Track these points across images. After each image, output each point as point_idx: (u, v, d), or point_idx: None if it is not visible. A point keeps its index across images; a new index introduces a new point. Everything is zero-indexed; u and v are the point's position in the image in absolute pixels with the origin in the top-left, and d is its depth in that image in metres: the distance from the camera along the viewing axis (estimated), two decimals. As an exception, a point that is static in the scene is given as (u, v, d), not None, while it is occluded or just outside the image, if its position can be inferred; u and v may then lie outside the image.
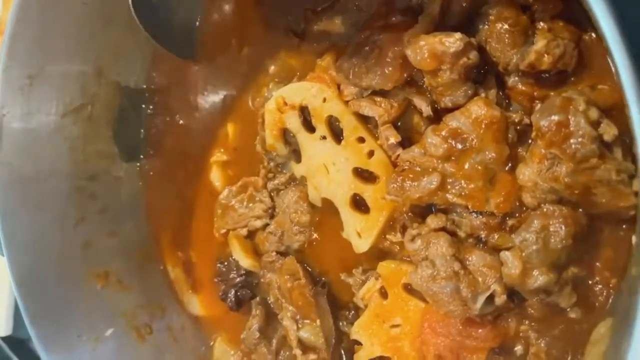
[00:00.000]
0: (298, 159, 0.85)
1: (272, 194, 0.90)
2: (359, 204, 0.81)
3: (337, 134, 0.80)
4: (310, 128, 0.81)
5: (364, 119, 0.78)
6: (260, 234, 0.92)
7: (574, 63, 0.67)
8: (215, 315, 1.00)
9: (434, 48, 0.67)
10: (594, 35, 0.68)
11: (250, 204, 0.91)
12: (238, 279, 0.95)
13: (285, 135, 0.84)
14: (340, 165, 0.79)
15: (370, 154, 0.78)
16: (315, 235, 0.88)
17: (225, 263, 0.96)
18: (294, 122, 0.82)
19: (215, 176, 0.97)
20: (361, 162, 0.78)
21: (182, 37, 0.90)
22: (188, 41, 0.92)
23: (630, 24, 0.53)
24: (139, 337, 0.95)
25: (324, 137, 0.80)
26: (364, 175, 0.79)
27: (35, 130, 0.87)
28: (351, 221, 0.81)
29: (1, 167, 0.83)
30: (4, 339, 1.22)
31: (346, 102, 0.78)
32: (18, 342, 1.22)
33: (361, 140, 0.78)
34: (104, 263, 0.95)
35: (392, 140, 0.74)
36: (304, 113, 0.82)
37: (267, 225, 0.91)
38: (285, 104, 0.82)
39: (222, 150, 0.97)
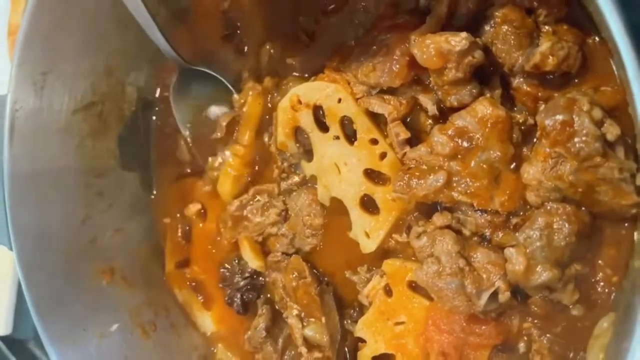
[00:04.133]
0: (309, 158, 0.85)
1: (284, 196, 0.90)
2: (368, 205, 0.81)
3: (349, 135, 0.80)
4: (323, 127, 0.82)
5: (375, 119, 0.79)
6: (272, 235, 0.92)
7: (578, 65, 0.69)
8: (229, 328, 0.99)
9: (440, 47, 0.68)
10: (597, 38, 0.69)
11: (266, 212, 0.91)
12: (242, 282, 0.94)
13: (297, 134, 0.84)
14: (352, 165, 0.80)
15: (383, 155, 0.78)
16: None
17: (229, 267, 0.96)
18: (307, 121, 0.82)
19: (223, 185, 0.96)
20: (373, 163, 0.79)
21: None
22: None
23: (635, 24, 0.55)
24: (143, 333, 0.95)
25: (337, 137, 0.80)
26: (375, 177, 0.80)
27: (47, 126, 0.88)
28: (360, 221, 0.81)
29: (12, 162, 0.84)
30: (3, 338, 1.22)
31: (356, 100, 0.78)
32: (17, 342, 1.22)
33: (374, 141, 0.78)
34: (110, 259, 0.96)
35: (402, 136, 0.74)
36: (317, 112, 0.82)
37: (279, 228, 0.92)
38: (300, 102, 0.82)
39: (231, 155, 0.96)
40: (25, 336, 1.19)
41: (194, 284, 1.02)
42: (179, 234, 1.01)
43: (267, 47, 0.89)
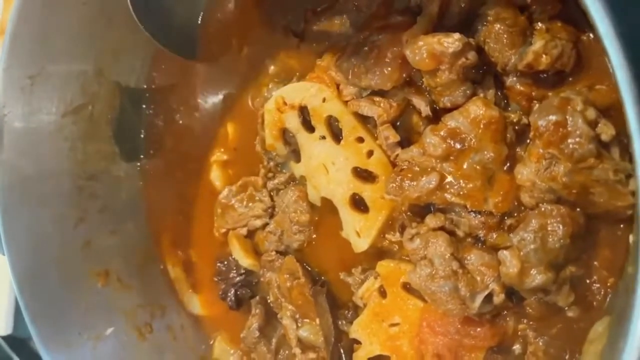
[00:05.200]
0: (297, 159, 0.85)
1: (272, 194, 0.90)
2: (358, 204, 0.81)
3: (336, 134, 0.80)
4: (309, 128, 0.81)
5: (363, 119, 0.78)
6: (260, 233, 0.92)
7: (572, 63, 0.68)
8: (215, 314, 1.00)
9: (433, 48, 0.67)
10: (591, 35, 0.68)
11: (250, 204, 0.92)
12: (238, 278, 0.95)
13: (285, 135, 0.84)
14: (340, 164, 0.80)
15: (370, 153, 0.78)
16: (314, 235, 0.88)
17: (225, 262, 0.96)
18: (293, 122, 0.82)
19: (215, 176, 0.98)
20: (360, 161, 0.78)
21: (182, 36, 0.91)
22: (189, 40, 0.92)
23: (628, 23, 0.53)
24: (139, 336, 0.95)
25: (323, 137, 0.80)
26: (363, 175, 0.80)
27: (36, 130, 0.87)
28: (350, 220, 0.81)
29: (2, 167, 0.83)
30: (5, 338, 1.23)
31: (345, 102, 0.78)
32: (18, 341, 1.22)
33: (360, 140, 0.78)
34: (104, 262, 0.95)
35: (391, 139, 0.74)
36: (304, 113, 0.82)
37: (266, 224, 0.92)
38: (285, 104, 0.82)
39: (222, 149, 0.97)
40: (26, 334, 1.20)
41: (186, 264, 1.02)
42: (180, 216, 1.02)
43: (255, 47, 0.88)
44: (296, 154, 0.85)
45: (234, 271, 0.95)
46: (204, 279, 1.01)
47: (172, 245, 1.03)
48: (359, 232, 0.81)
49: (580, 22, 0.68)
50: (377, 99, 0.75)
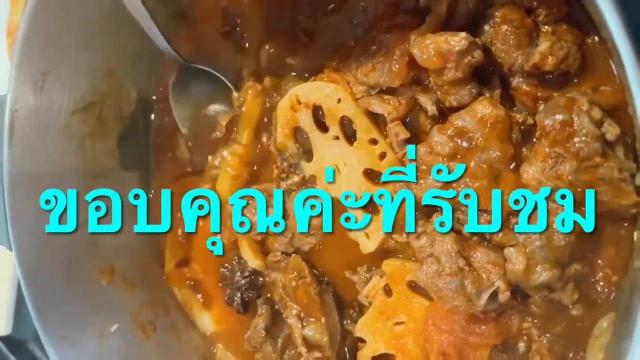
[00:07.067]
0: (309, 159, 0.85)
1: (285, 196, 0.89)
2: (368, 205, 0.80)
3: (349, 135, 0.80)
4: (323, 128, 0.82)
5: (375, 120, 0.78)
6: (271, 235, 0.91)
7: (577, 65, 0.69)
8: (230, 327, 0.99)
9: (440, 47, 0.68)
10: (597, 38, 0.69)
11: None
12: (243, 281, 0.94)
13: (297, 135, 0.84)
14: (352, 166, 0.80)
15: (383, 156, 0.78)
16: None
17: (229, 266, 0.96)
18: (307, 121, 0.82)
19: (223, 185, 0.96)
20: (373, 163, 0.79)
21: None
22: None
23: (634, 24, 0.55)
24: (143, 334, 0.95)
25: (337, 138, 0.80)
26: (374, 177, 0.80)
27: (46, 126, 0.87)
28: (361, 222, 0.81)
29: (12, 162, 0.84)
30: (3, 338, 1.22)
31: (356, 101, 0.78)
32: (17, 342, 1.21)
33: (374, 142, 0.78)
34: (110, 260, 0.95)
35: (402, 136, 0.74)
36: (317, 113, 0.82)
37: (277, 227, 0.91)
38: (299, 102, 0.82)
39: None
40: (25, 336, 1.19)
41: (193, 283, 1.01)
42: (180, 232, 1.01)
43: (267, 47, 0.89)
44: (308, 154, 0.85)
45: (239, 274, 0.95)
46: (214, 296, 0.99)
47: (177, 266, 1.02)
48: (368, 234, 0.81)
49: (586, 25, 0.69)
50: (386, 97, 0.76)
